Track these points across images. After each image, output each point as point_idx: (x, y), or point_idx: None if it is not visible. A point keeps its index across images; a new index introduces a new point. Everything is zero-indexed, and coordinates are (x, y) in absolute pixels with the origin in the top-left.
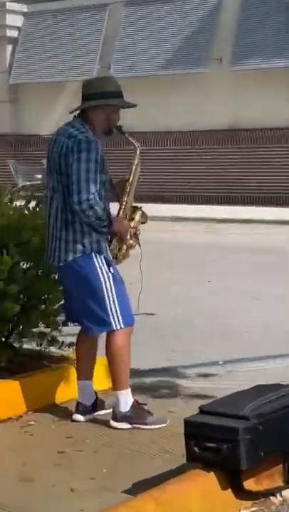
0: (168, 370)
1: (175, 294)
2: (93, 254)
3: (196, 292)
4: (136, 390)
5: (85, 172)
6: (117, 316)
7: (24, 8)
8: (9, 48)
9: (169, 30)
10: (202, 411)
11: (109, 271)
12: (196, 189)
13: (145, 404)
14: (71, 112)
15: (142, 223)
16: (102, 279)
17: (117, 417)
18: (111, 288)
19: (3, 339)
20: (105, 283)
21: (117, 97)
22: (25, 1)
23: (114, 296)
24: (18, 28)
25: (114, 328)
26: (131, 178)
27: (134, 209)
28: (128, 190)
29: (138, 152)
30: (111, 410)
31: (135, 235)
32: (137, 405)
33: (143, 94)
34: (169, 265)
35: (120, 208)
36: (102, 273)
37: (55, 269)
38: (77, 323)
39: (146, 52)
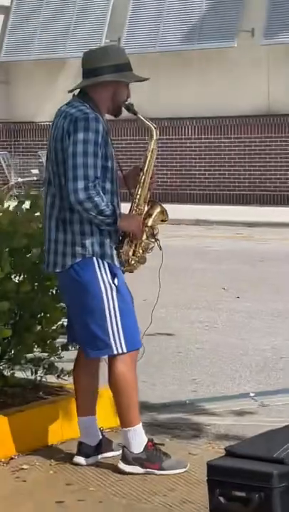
0: (189, 405)
1: (198, 312)
2: (94, 258)
3: (224, 310)
4: (150, 427)
5: (82, 155)
6: (119, 338)
7: None
8: (0, 18)
9: None
10: (229, 453)
11: (113, 282)
12: (222, 187)
13: (162, 445)
14: (70, 91)
15: (162, 221)
16: (103, 291)
17: (127, 458)
18: (113, 303)
19: None
20: (107, 296)
21: (124, 70)
22: None
23: (117, 313)
24: None
25: (115, 351)
26: (146, 166)
27: (152, 204)
28: (142, 180)
29: (154, 135)
30: (119, 452)
31: (153, 235)
32: (151, 446)
33: (159, 74)
34: (191, 277)
35: (132, 202)
36: (104, 284)
37: (56, 278)
38: (78, 346)
39: (163, 24)
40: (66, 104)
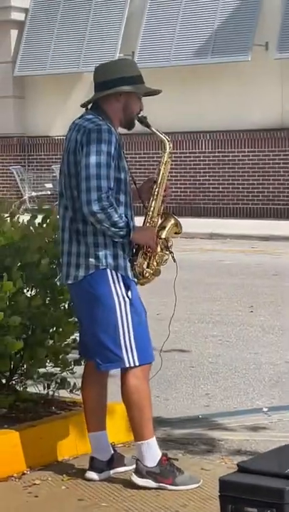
0: (202, 420)
1: (211, 326)
2: (108, 270)
3: (237, 325)
4: (163, 442)
5: (95, 166)
6: (132, 351)
7: None
8: (14, 33)
9: (205, 12)
10: (241, 469)
11: (127, 295)
12: (235, 200)
13: (176, 460)
14: (83, 105)
15: (176, 234)
16: (116, 303)
17: (141, 471)
18: (126, 315)
19: (4, 381)
20: (120, 309)
21: (136, 82)
22: None
23: (130, 326)
24: (25, 10)
25: (127, 364)
26: (159, 178)
27: (166, 216)
28: (156, 193)
29: (167, 148)
30: (132, 467)
31: (167, 248)
32: (165, 460)
33: (173, 88)
34: (205, 291)
35: (146, 215)
36: (118, 296)
37: (68, 290)
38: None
39: (177, 38)
40: (79, 118)
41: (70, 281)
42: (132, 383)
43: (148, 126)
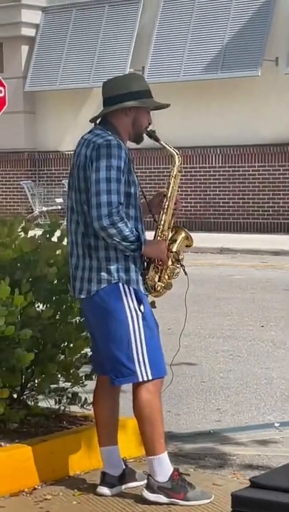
0: (213, 434)
1: (222, 341)
2: (120, 284)
3: (248, 339)
4: (175, 457)
5: (106, 182)
6: (144, 365)
7: (43, 2)
8: (25, 49)
9: (215, 27)
10: (254, 484)
11: (139, 308)
12: (245, 215)
13: (187, 475)
14: (92, 121)
15: (187, 247)
16: (129, 317)
17: (152, 486)
18: (139, 329)
19: (15, 396)
20: (133, 323)
21: (145, 96)
22: None
23: (143, 340)
24: (36, 26)
25: (140, 379)
26: (169, 192)
27: (176, 229)
28: (166, 206)
29: (177, 161)
30: (143, 483)
31: (178, 261)
32: (177, 476)
33: (183, 103)
34: (215, 306)
35: (157, 228)
36: (130, 310)
37: (80, 304)
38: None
39: (187, 53)
40: (88, 133)
41: (82, 296)
42: (144, 397)
43: (157, 140)
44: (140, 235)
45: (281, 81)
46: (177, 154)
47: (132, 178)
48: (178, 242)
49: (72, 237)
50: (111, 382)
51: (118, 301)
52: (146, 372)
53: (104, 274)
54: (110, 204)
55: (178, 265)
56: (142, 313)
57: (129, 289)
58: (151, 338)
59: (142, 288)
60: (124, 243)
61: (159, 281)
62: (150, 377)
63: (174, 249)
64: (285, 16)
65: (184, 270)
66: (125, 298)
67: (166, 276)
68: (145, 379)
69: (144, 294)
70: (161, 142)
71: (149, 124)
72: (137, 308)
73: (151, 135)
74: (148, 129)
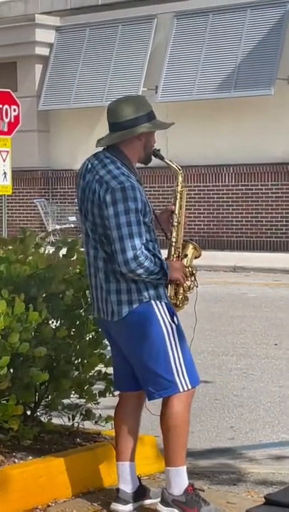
0: (227, 452)
1: (236, 358)
2: (152, 301)
3: (262, 357)
4: (189, 474)
5: (127, 226)
6: (183, 375)
7: (57, 21)
8: (39, 68)
9: (228, 46)
10: (269, 501)
11: (173, 321)
12: (259, 233)
13: (202, 491)
14: (101, 145)
15: (196, 258)
16: (164, 332)
17: (166, 500)
18: (175, 341)
19: (29, 412)
20: (169, 336)
21: (153, 117)
22: (58, 13)
23: (179, 351)
24: (50, 45)
25: (181, 389)
26: (176, 208)
27: (184, 244)
28: (175, 223)
29: (180, 177)
30: (157, 500)
31: (192, 275)
32: (191, 490)
33: (196, 121)
34: (229, 324)
35: (170, 247)
36: (165, 324)
37: (102, 325)
38: (128, 390)
39: (200, 72)
40: (96, 159)
41: (115, 319)
42: (176, 408)
43: (162, 158)
44: (162, 262)
45: None
46: (180, 170)
47: (147, 209)
48: (189, 256)
49: (91, 261)
50: (150, 397)
51: (153, 319)
52: (185, 382)
53: (134, 295)
54: (134, 247)
55: (192, 279)
56: (176, 325)
57: (161, 304)
58: (185, 348)
59: (170, 301)
60: (151, 277)
61: (175, 296)
62: (189, 387)
63: (187, 264)
64: None
65: (196, 284)
66: (159, 314)
67: (181, 290)
68: (185, 389)
69: (173, 307)
70: (166, 160)
71: (154, 143)
72: (171, 321)
73: (157, 154)
74: (152, 148)
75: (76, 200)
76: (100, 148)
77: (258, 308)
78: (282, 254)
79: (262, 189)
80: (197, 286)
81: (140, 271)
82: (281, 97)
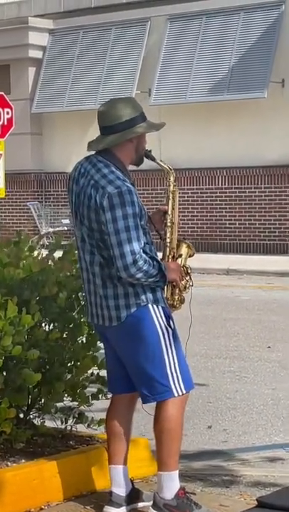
0: (220, 455)
1: (229, 361)
2: (150, 305)
3: (255, 360)
4: (181, 477)
5: (125, 231)
6: (178, 380)
7: (50, 24)
8: (32, 70)
9: (222, 49)
10: (261, 503)
11: (169, 325)
12: (252, 236)
13: (193, 494)
14: (92, 149)
15: (190, 256)
16: (161, 336)
17: (157, 504)
18: (171, 346)
19: (22, 415)
20: (164, 341)
21: (145, 119)
22: (51, 16)
23: (175, 356)
24: (43, 48)
25: (175, 394)
26: (169, 208)
27: (178, 243)
28: (169, 223)
29: (172, 177)
30: (150, 503)
31: (187, 274)
32: (183, 494)
33: (189, 125)
34: (222, 327)
35: (165, 248)
36: (162, 329)
37: (97, 328)
38: (121, 392)
39: (193, 75)
40: (89, 163)
41: (114, 324)
42: (170, 412)
43: (153, 159)
44: (160, 264)
45: (287, 103)
46: (171, 170)
47: (143, 211)
48: (183, 255)
49: (87, 266)
50: (145, 400)
51: (150, 323)
52: (180, 387)
53: (132, 299)
54: (133, 252)
55: (188, 278)
56: (172, 329)
57: (158, 308)
58: (180, 352)
59: (167, 305)
60: (150, 280)
61: (172, 296)
62: (184, 392)
63: (182, 264)
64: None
65: (191, 284)
66: (156, 318)
67: (177, 290)
68: (180, 393)
69: (170, 311)
70: (157, 161)
71: (146, 144)
72: (167, 325)
73: (148, 155)
74: (144, 150)
75: (69, 203)
76: (92, 152)
77: (251, 310)
78: (276, 257)
79: (255, 192)
80: (192, 285)
81: (139, 275)
82: (274, 100)
